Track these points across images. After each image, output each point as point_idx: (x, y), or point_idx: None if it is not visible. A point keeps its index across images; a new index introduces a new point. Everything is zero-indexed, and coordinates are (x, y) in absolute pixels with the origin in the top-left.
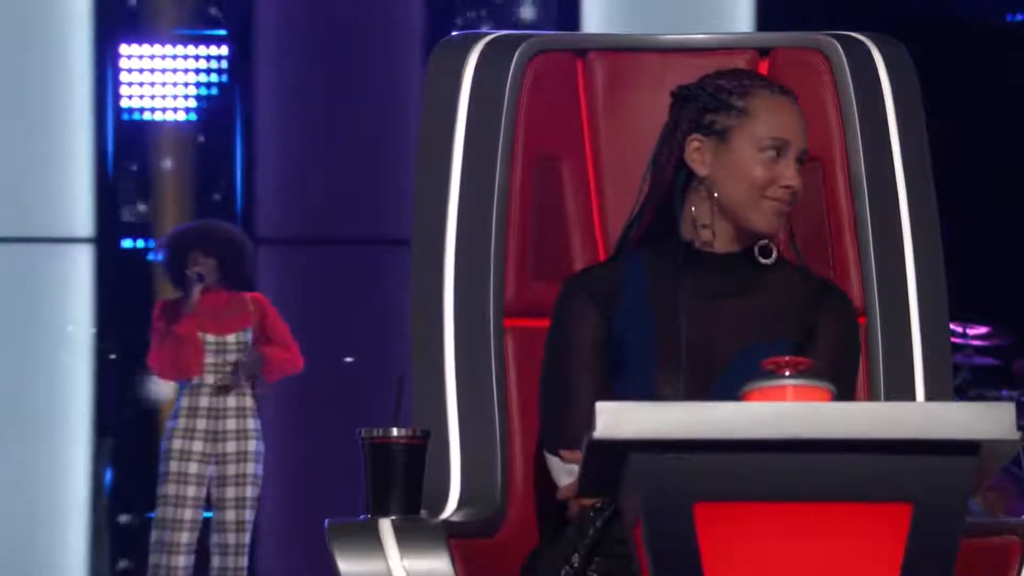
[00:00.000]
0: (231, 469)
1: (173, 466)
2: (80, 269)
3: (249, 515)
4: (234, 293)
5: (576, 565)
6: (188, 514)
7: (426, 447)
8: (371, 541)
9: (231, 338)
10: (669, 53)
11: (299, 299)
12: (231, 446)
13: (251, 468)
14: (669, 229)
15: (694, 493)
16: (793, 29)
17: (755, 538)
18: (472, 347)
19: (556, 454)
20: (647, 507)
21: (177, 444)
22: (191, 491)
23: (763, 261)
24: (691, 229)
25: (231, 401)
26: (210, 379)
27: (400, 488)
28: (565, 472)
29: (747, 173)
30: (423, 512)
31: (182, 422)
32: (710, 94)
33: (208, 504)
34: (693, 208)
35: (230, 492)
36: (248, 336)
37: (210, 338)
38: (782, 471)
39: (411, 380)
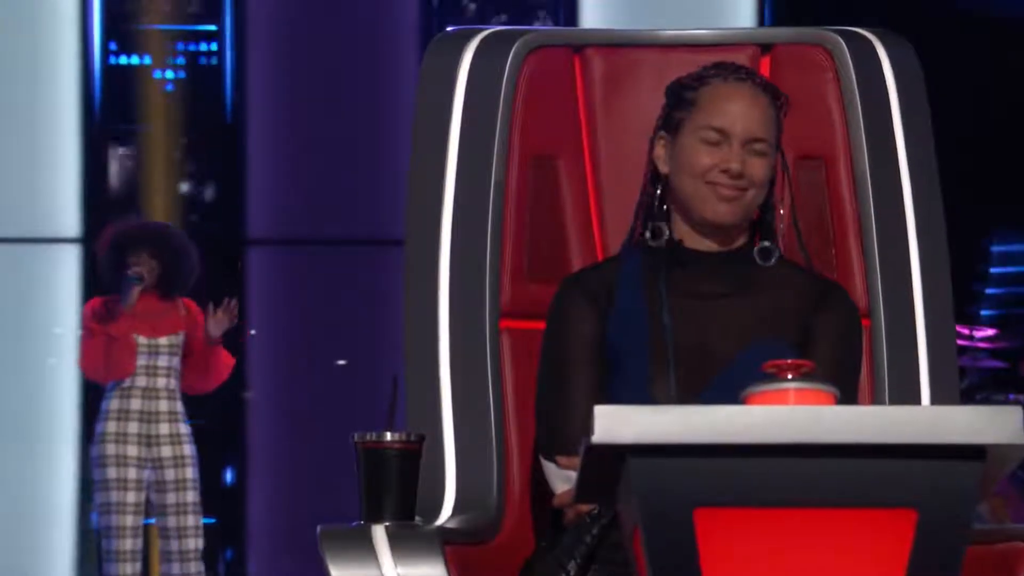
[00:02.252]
0: (169, 474)
1: (111, 472)
2: (66, 270)
3: (192, 520)
4: (168, 298)
5: (573, 573)
6: (130, 520)
7: (421, 452)
8: (364, 548)
9: (163, 340)
10: (669, 49)
11: (291, 301)
12: (166, 451)
13: (190, 472)
14: (657, 230)
15: (694, 498)
16: (799, 24)
17: (757, 545)
18: (467, 349)
19: (552, 459)
20: (646, 513)
21: (111, 449)
22: (131, 497)
23: (761, 263)
24: (681, 229)
25: (163, 405)
26: (141, 381)
27: (394, 494)
28: (561, 478)
29: (690, 162)
30: (417, 518)
31: (112, 425)
32: (671, 90)
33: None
34: (674, 207)
35: (170, 498)
36: (180, 339)
37: (142, 340)
38: (784, 476)
39: (405, 383)
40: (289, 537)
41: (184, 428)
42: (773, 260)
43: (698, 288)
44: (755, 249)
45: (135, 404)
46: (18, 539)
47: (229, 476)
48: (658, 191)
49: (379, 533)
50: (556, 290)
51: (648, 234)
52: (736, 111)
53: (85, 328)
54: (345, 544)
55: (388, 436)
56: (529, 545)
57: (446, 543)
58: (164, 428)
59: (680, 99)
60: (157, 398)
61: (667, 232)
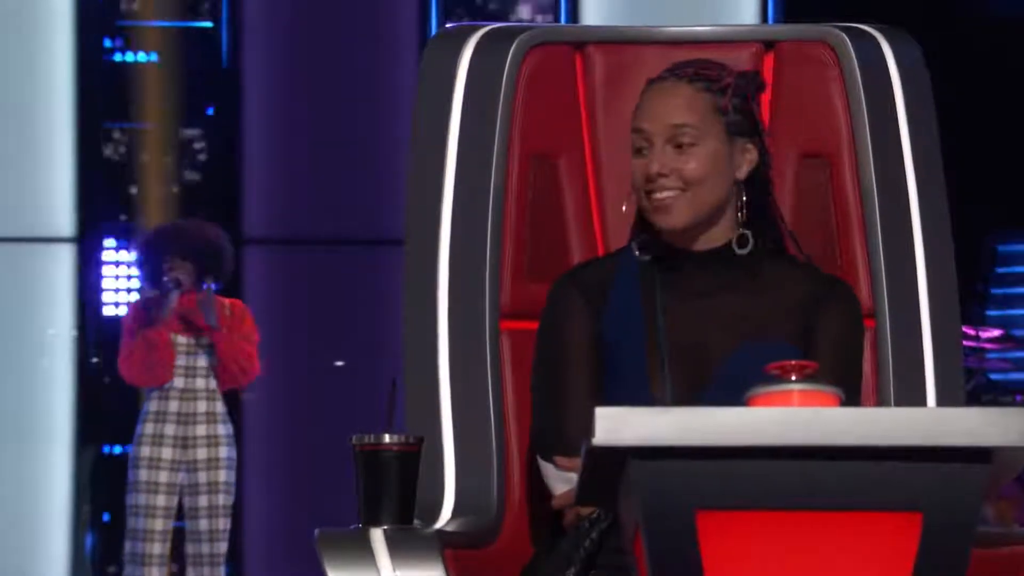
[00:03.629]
0: (202, 477)
1: (143, 475)
2: (61, 270)
3: (223, 524)
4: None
5: None
6: (159, 524)
7: (419, 454)
8: (362, 552)
9: (204, 340)
10: (671, 46)
11: (288, 301)
12: (202, 452)
13: (223, 476)
14: (644, 242)
15: (696, 501)
16: (804, 21)
17: (760, 548)
18: (467, 350)
19: (550, 460)
20: (647, 516)
21: (146, 451)
22: (161, 500)
23: (739, 251)
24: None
25: (201, 406)
26: (179, 383)
27: (393, 497)
28: (560, 480)
29: (631, 179)
30: (416, 521)
31: (149, 427)
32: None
33: (180, 513)
34: None
35: (203, 501)
36: None
37: (181, 339)
38: (788, 479)
39: (404, 384)
40: (286, 540)
41: (223, 429)
42: (748, 248)
43: (692, 287)
44: (733, 239)
45: (172, 406)
46: (11, 540)
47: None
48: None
49: (377, 536)
50: (551, 286)
51: (635, 245)
52: (652, 110)
53: (125, 331)
54: (343, 547)
55: (387, 438)
56: (530, 548)
57: (445, 546)
58: (201, 430)
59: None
60: (195, 399)
61: (653, 242)
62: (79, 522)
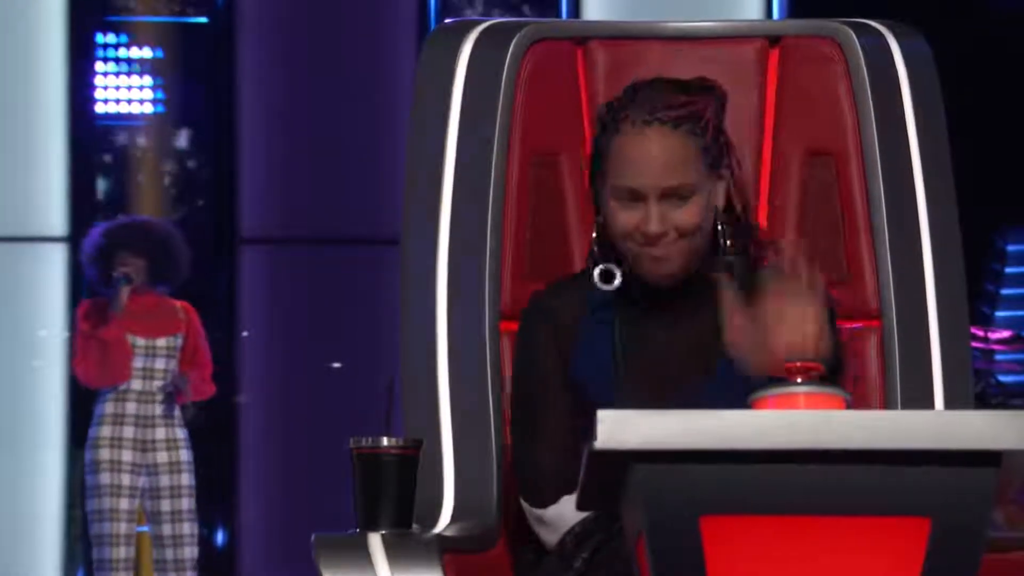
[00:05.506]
0: (164, 480)
1: (105, 478)
2: (52, 269)
3: (188, 528)
4: (163, 298)
5: None
6: (124, 528)
7: (418, 457)
8: (360, 557)
9: (161, 342)
10: (674, 42)
11: (284, 302)
12: (162, 456)
13: (185, 479)
14: (606, 273)
15: (700, 506)
16: (809, 16)
17: (765, 554)
18: (466, 352)
19: (531, 504)
20: (650, 521)
21: (105, 454)
22: (125, 504)
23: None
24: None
25: (159, 408)
26: (137, 384)
27: (391, 501)
28: (538, 523)
29: (612, 222)
30: (415, 526)
31: (107, 430)
32: (596, 120)
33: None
34: None
35: (165, 505)
36: (179, 341)
37: (140, 341)
38: (793, 483)
39: (402, 387)
40: (283, 546)
41: (181, 433)
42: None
43: (662, 317)
44: (595, 275)
45: (130, 408)
46: (3, 542)
47: (221, 482)
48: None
49: (375, 541)
50: (525, 313)
51: (596, 275)
52: (645, 167)
53: (78, 332)
54: (340, 552)
55: (385, 442)
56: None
57: (444, 551)
58: (160, 433)
59: (595, 148)
60: (153, 402)
61: (617, 275)
62: (71, 524)
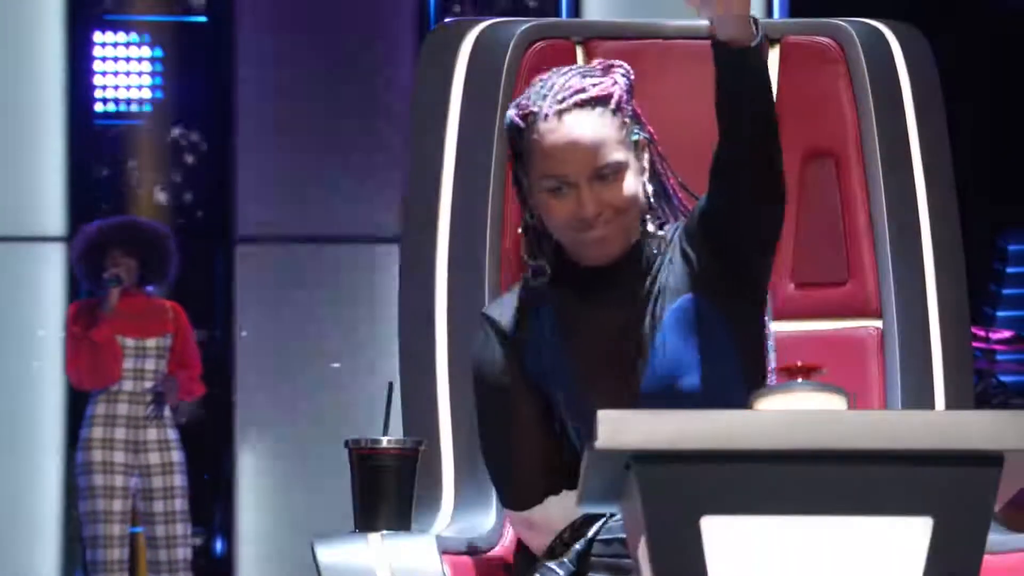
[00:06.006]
0: (157, 482)
1: (98, 480)
2: (51, 269)
3: (181, 529)
4: (152, 298)
5: None
6: (117, 529)
7: (417, 458)
8: (359, 558)
9: (151, 342)
10: (673, 41)
11: (283, 301)
12: (154, 457)
13: (178, 480)
14: (539, 269)
15: (701, 506)
16: (809, 15)
17: (766, 554)
18: (466, 352)
19: (511, 509)
20: (651, 521)
21: (98, 456)
22: (118, 505)
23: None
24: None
25: (148, 409)
26: (128, 385)
27: (390, 501)
28: (522, 525)
29: (546, 215)
30: (414, 527)
31: (99, 431)
32: (507, 128)
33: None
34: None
35: (158, 506)
36: (168, 342)
37: (129, 342)
38: (795, 483)
39: (401, 387)
40: (281, 547)
41: (172, 434)
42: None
43: (594, 298)
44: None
45: (122, 409)
46: (3, 543)
47: (217, 483)
48: (531, 226)
49: (374, 542)
50: (473, 335)
51: (530, 277)
52: (569, 154)
53: (68, 333)
54: (339, 553)
55: (384, 442)
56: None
57: (444, 552)
58: (152, 434)
59: (513, 150)
60: (144, 402)
61: (547, 270)
62: (70, 524)
